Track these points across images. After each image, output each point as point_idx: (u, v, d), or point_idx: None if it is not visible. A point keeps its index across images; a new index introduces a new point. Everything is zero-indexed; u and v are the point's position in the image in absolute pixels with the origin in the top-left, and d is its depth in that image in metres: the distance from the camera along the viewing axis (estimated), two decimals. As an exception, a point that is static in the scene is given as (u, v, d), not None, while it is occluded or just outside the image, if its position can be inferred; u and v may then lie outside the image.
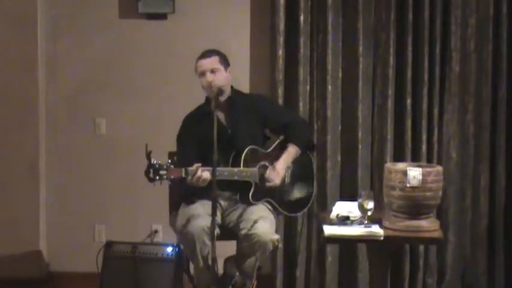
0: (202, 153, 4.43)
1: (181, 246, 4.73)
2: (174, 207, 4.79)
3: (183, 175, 4.35)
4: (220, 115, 4.65)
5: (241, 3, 5.46)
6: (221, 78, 4.58)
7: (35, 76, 5.42)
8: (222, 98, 4.58)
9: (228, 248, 4.72)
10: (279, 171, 4.60)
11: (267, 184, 4.57)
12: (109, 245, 4.95)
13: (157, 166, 4.28)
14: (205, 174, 4.35)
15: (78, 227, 5.56)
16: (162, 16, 5.45)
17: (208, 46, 4.85)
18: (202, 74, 4.59)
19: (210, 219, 4.22)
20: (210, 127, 4.25)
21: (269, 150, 4.67)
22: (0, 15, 5.37)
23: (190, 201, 4.56)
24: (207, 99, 4.68)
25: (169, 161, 4.34)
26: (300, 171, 4.77)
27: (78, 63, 5.51)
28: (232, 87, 4.70)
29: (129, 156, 5.42)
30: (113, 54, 5.50)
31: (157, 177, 4.28)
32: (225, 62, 4.64)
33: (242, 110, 4.67)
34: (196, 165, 4.37)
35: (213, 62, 4.59)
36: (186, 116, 4.74)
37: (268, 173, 4.57)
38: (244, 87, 4.72)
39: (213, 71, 4.57)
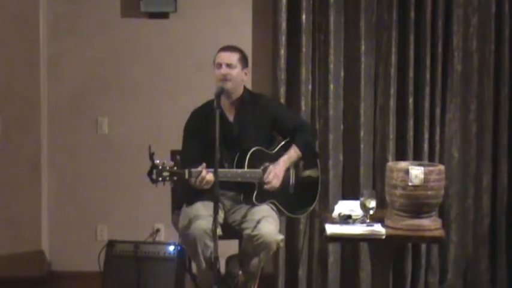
0: (207, 151, 4.41)
1: (184, 246, 4.73)
2: (176, 206, 4.79)
3: (186, 176, 4.33)
4: (229, 114, 4.64)
5: (243, 2, 5.46)
6: (234, 74, 4.56)
7: (37, 75, 5.41)
8: (233, 97, 4.59)
9: (230, 247, 4.72)
10: (277, 173, 4.57)
11: (265, 187, 4.55)
12: (111, 244, 4.94)
13: (160, 167, 4.25)
14: (209, 176, 4.32)
15: (80, 227, 5.56)
16: (164, 15, 5.44)
17: (210, 45, 4.86)
18: (219, 65, 4.57)
19: (211, 220, 4.20)
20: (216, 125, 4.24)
21: (274, 151, 4.66)
22: (2, 14, 5.36)
23: (192, 201, 4.55)
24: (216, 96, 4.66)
25: (172, 162, 4.31)
26: (305, 174, 4.76)
27: (80, 62, 5.50)
28: (244, 87, 4.68)
29: (131, 156, 5.42)
30: (115, 53, 5.50)
31: (160, 179, 4.25)
32: (244, 62, 4.63)
33: (251, 111, 4.65)
34: (201, 166, 4.35)
35: (232, 57, 4.58)
36: (194, 110, 4.70)
37: (266, 176, 4.54)
38: (246, 86, 4.73)
39: (229, 66, 4.56)
